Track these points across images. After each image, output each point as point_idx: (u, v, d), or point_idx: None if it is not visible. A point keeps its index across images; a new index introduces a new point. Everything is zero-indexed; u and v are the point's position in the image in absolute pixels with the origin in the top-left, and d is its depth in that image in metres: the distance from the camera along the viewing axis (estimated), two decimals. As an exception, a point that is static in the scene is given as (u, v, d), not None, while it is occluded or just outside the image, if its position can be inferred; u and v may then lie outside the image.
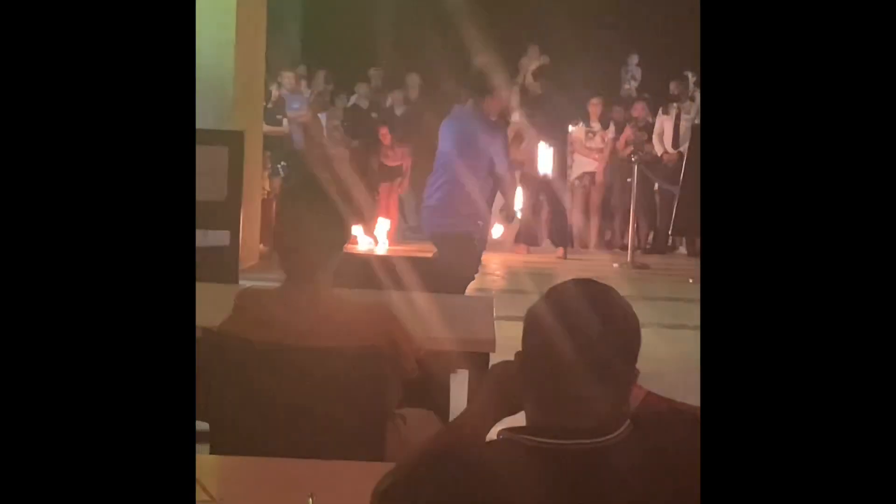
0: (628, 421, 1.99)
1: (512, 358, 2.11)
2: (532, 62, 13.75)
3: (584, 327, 1.96)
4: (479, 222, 6.76)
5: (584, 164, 12.59)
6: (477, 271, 7.00)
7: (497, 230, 10.25)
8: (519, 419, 2.06)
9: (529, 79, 13.03)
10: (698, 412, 1.94)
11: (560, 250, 12.11)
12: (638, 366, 2.04)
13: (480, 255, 6.97)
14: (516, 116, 11.84)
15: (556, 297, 2.03)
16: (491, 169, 6.65)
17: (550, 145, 11.25)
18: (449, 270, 5.81)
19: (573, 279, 2.08)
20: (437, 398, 3.80)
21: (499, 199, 7.50)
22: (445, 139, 6.72)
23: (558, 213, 12.17)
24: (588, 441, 1.94)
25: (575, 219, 12.69)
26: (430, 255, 6.73)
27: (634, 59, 14.74)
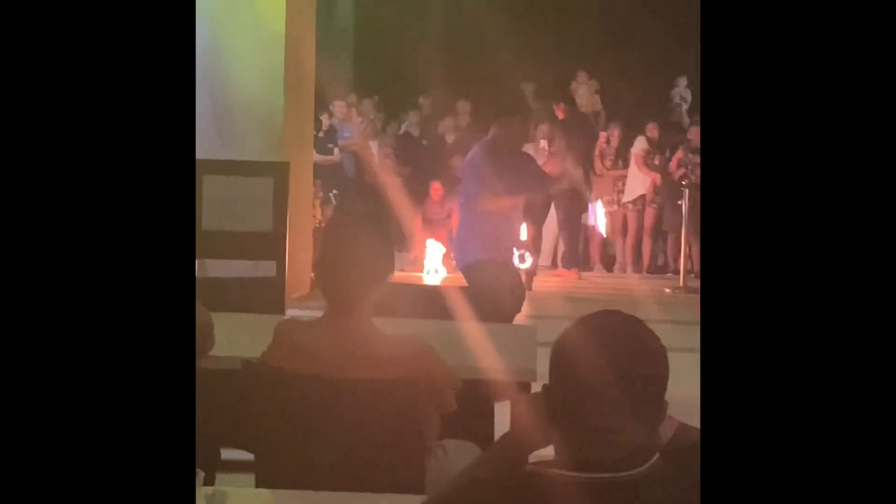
0: (657, 454, 1.98)
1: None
2: (580, 87, 13.75)
3: (610, 360, 1.95)
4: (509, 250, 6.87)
5: (636, 187, 12.53)
6: (521, 300, 6.91)
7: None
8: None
9: (579, 100, 13.07)
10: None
11: (573, 272, 12.02)
12: (683, 393, 2.03)
13: (520, 286, 6.93)
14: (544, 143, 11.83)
15: (582, 329, 2.02)
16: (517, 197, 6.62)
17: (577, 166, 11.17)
18: (486, 300, 5.77)
19: (600, 311, 2.08)
20: (479, 429, 3.78)
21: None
22: (467, 174, 6.69)
23: (572, 235, 12.09)
24: (616, 475, 1.93)
25: (629, 242, 12.63)
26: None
27: (683, 80, 14.67)
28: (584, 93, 13.66)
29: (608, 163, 12.70)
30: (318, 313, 3.20)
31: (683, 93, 14.62)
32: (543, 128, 12.02)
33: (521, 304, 6.61)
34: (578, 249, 12.32)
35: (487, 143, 6.67)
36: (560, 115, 11.76)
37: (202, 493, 2.30)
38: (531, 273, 10.67)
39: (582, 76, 13.87)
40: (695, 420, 2.38)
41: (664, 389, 2.01)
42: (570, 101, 12.32)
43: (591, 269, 12.69)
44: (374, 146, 13.57)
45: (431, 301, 4.99)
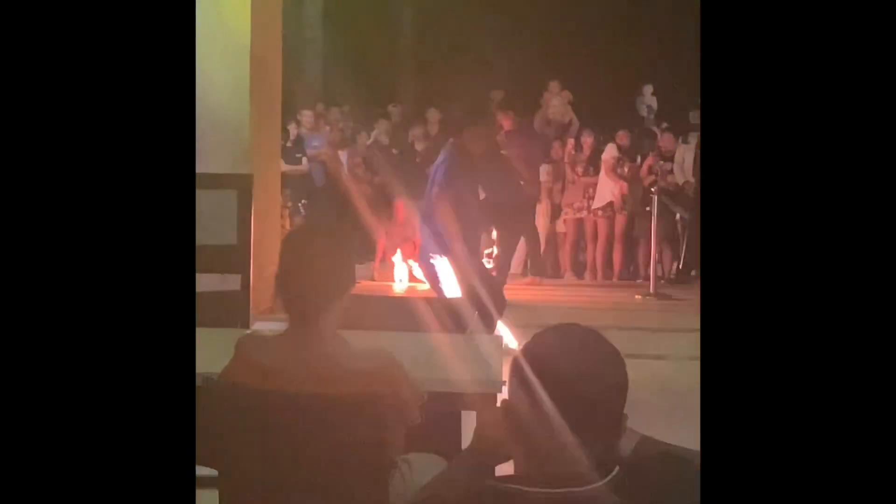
0: (617, 467, 1.96)
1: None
2: (553, 97, 13.76)
3: (568, 374, 1.93)
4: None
5: (606, 194, 12.54)
6: (501, 306, 7.10)
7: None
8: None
9: (552, 110, 13.08)
10: (696, 457, 1.92)
11: (532, 279, 12.03)
12: (657, 398, 2.02)
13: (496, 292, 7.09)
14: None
15: (540, 343, 2.01)
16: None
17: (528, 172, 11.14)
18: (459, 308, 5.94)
19: (558, 324, 2.06)
20: (446, 441, 3.76)
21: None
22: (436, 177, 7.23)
23: (532, 241, 12.09)
24: (576, 489, 1.91)
25: (599, 250, 12.63)
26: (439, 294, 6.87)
27: (649, 88, 14.71)
28: (557, 103, 13.66)
29: (580, 170, 12.69)
30: (285, 326, 3.16)
31: (649, 101, 14.66)
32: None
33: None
34: (538, 256, 12.29)
35: (454, 146, 6.86)
36: (507, 126, 11.74)
37: None
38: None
39: (554, 86, 13.87)
40: (669, 427, 2.38)
41: (623, 402, 2.00)
42: (521, 112, 12.28)
43: (561, 277, 12.67)
44: (343, 155, 13.53)
45: (396, 312, 4.98)
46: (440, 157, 7.33)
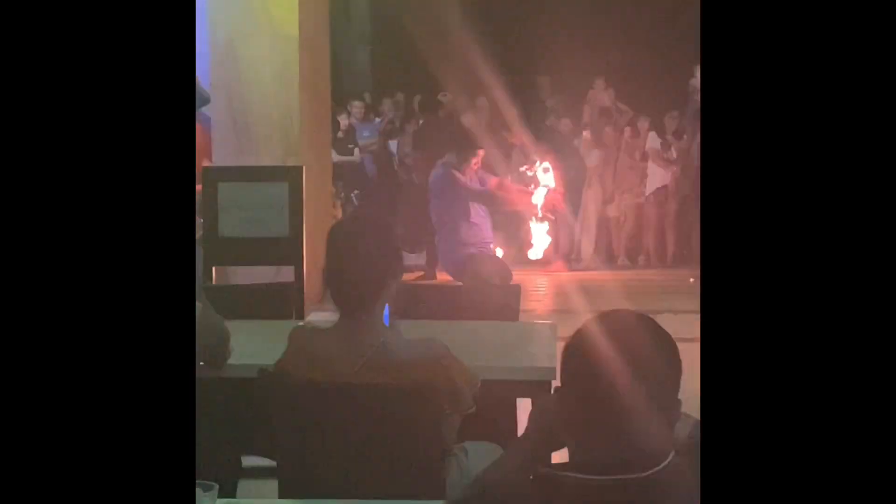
0: (673, 452, 1.95)
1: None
2: (599, 94, 13.68)
3: (621, 360, 1.92)
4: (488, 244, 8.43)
5: (657, 180, 12.48)
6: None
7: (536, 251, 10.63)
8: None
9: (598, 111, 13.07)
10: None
11: (557, 264, 12.02)
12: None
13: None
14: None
15: (592, 329, 1.99)
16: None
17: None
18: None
19: (610, 310, 2.05)
20: (501, 429, 3.76)
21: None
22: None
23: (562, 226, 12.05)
24: (631, 476, 1.90)
25: (652, 234, 12.57)
26: (496, 282, 6.95)
27: (697, 69, 14.57)
28: (605, 100, 13.58)
29: (637, 155, 12.64)
30: (338, 317, 3.17)
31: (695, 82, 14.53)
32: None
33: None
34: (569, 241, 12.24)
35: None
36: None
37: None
38: None
39: (599, 84, 13.79)
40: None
41: (678, 387, 1.99)
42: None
43: (616, 262, 12.62)
44: (392, 145, 13.54)
45: (448, 300, 4.98)
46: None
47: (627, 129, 12.82)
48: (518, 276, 9.26)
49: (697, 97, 13.54)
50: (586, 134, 12.77)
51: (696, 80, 13.66)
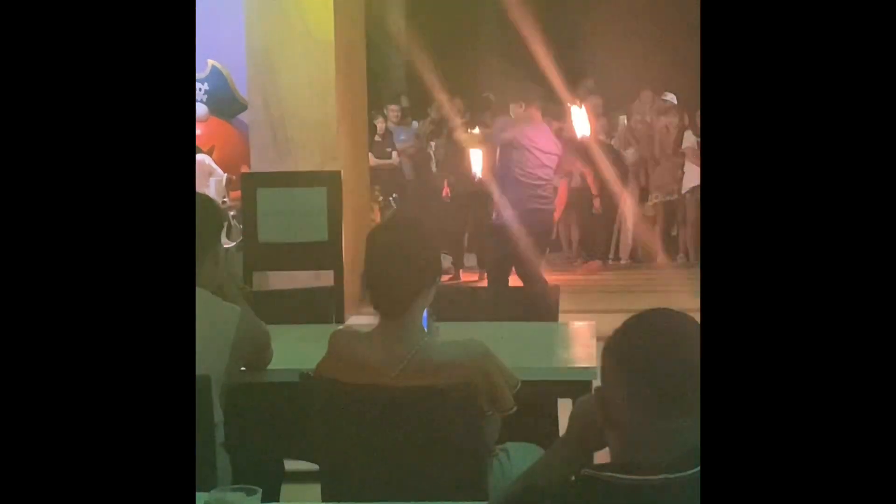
0: (714, 452, 1.94)
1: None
2: (643, 105, 13.61)
3: (659, 359, 1.92)
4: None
5: (694, 176, 12.41)
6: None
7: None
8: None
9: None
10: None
11: (593, 264, 11.95)
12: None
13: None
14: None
15: (631, 329, 1.99)
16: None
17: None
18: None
19: (648, 310, 2.04)
20: (542, 429, 3.76)
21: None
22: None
23: (586, 222, 11.99)
24: (672, 475, 1.90)
25: (689, 231, 12.50)
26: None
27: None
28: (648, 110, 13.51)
29: (669, 150, 12.55)
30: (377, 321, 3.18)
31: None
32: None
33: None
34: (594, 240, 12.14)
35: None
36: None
37: None
38: None
39: (646, 95, 13.72)
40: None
41: (718, 386, 1.98)
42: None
43: (653, 260, 12.57)
44: (431, 147, 13.54)
45: (488, 301, 4.99)
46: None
47: (664, 128, 12.73)
48: (555, 277, 9.26)
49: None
50: (623, 129, 12.74)
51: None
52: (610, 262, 12.37)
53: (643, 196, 12.70)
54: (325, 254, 6.69)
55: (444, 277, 10.67)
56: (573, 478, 1.97)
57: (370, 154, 11.49)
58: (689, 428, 1.92)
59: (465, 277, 11.53)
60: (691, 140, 12.35)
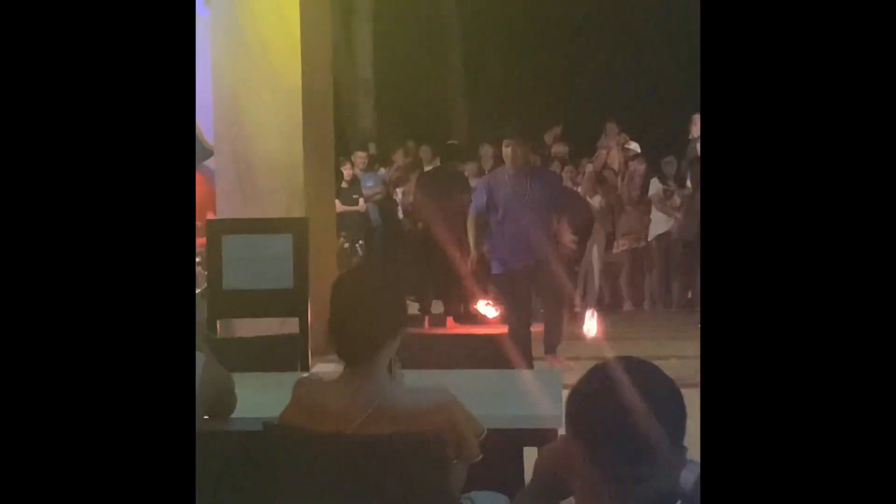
0: (679, 501, 1.94)
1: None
2: (611, 138, 13.70)
3: (626, 407, 1.92)
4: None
5: (661, 223, 12.48)
6: None
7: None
8: None
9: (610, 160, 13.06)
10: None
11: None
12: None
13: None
14: None
15: (597, 377, 1.99)
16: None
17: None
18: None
19: (614, 357, 2.04)
20: (508, 477, 3.73)
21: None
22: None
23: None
24: (639, 524, 1.89)
25: (655, 279, 12.55)
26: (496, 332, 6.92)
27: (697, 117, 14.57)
28: (615, 156, 13.58)
29: (635, 197, 12.60)
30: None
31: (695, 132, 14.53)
32: None
33: None
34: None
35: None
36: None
37: None
38: None
39: (612, 128, 13.82)
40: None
41: (683, 434, 1.98)
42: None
43: (620, 307, 12.59)
44: (398, 194, 13.58)
45: (455, 350, 4.97)
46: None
47: (629, 172, 12.80)
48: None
49: (696, 145, 13.60)
50: (589, 176, 12.80)
51: (696, 129, 13.69)
52: (577, 310, 12.34)
53: (609, 243, 12.75)
54: (290, 301, 6.66)
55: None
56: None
57: (337, 201, 11.48)
58: (655, 476, 1.91)
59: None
60: (657, 187, 12.42)
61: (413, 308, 11.18)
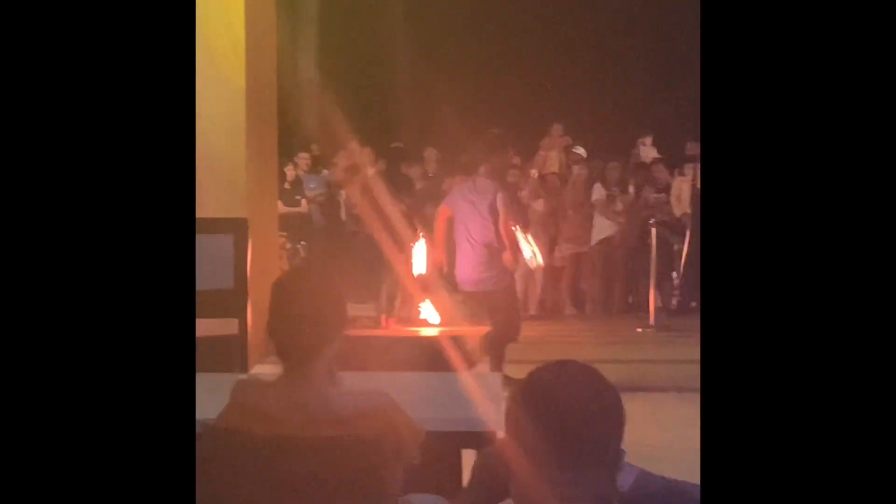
0: (616, 502, 1.94)
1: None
2: (554, 140, 13.77)
3: (564, 410, 1.92)
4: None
5: (604, 228, 12.54)
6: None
7: None
8: None
9: (549, 163, 13.10)
10: (697, 490, 1.91)
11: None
12: (657, 431, 2.01)
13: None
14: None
15: (536, 380, 1.99)
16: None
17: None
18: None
19: (554, 361, 2.04)
20: (446, 480, 3.73)
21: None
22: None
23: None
24: (576, 527, 1.89)
25: (597, 284, 12.60)
26: (436, 333, 6.90)
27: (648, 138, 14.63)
28: (555, 157, 13.64)
29: (579, 202, 12.65)
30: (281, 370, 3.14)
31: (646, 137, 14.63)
32: None
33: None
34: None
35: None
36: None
37: None
38: None
39: (557, 129, 13.87)
40: (670, 460, 2.35)
41: (621, 437, 1.98)
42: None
43: (562, 312, 12.64)
44: (341, 196, 13.53)
45: (396, 352, 4.96)
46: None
47: (574, 177, 12.86)
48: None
49: (638, 151, 13.68)
50: (533, 179, 12.84)
51: (648, 140, 13.78)
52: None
53: (551, 247, 12.78)
54: (229, 302, 6.62)
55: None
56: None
57: (279, 202, 11.42)
58: (594, 479, 1.92)
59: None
60: (601, 192, 12.48)
61: (363, 310, 11.12)
